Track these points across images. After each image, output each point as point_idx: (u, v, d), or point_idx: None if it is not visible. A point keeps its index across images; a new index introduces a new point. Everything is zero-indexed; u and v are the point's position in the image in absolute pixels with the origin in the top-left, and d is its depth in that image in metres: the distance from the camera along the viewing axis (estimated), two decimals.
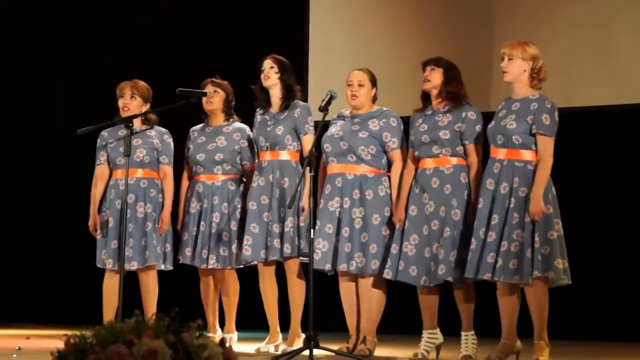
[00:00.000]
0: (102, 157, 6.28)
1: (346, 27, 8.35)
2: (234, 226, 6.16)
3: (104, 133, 6.31)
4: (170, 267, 6.27)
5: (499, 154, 5.20)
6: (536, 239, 5.03)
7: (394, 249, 5.53)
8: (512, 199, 5.11)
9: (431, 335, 5.58)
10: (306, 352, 4.87)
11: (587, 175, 7.49)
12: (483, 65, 7.37)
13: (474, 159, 5.46)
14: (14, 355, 5.42)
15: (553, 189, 5.15)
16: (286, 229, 5.92)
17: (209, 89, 6.28)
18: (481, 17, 7.81)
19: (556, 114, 5.17)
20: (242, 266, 6.27)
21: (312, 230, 5.17)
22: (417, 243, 5.47)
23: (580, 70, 7.38)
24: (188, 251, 6.21)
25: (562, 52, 7.29)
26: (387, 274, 5.53)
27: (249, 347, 6.12)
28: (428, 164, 5.51)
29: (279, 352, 5.81)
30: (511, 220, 5.09)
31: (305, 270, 5.76)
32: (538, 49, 5.29)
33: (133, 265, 6.09)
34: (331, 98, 5.39)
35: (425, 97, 5.64)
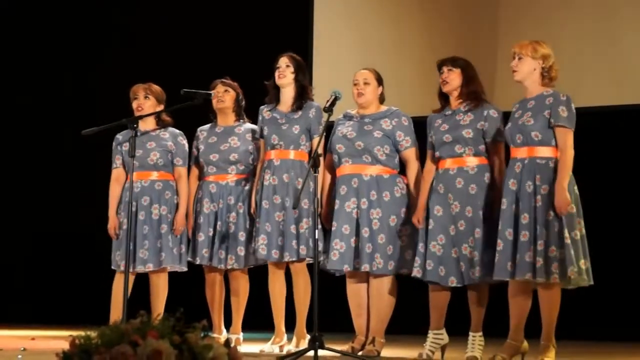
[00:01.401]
0: (117, 160, 6.30)
1: (350, 26, 8.35)
2: (249, 225, 6.15)
3: (119, 136, 6.33)
4: (185, 269, 6.28)
5: (519, 153, 5.17)
6: (566, 235, 4.98)
7: (422, 248, 5.49)
8: (538, 197, 5.08)
9: (437, 336, 5.56)
10: (311, 353, 4.86)
11: (594, 176, 7.47)
12: (488, 64, 7.35)
13: (496, 158, 5.43)
14: (19, 356, 5.41)
15: (575, 188, 5.11)
16: (301, 230, 5.90)
17: (220, 88, 6.27)
18: (486, 16, 7.80)
19: (572, 106, 5.14)
20: (252, 266, 6.27)
21: (316, 231, 5.16)
22: (444, 243, 5.42)
23: (586, 69, 7.36)
24: (205, 252, 6.19)
25: (568, 52, 7.28)
26: (418, 273, 5.47)
27: (253, 348, 6.11)
28: (450, 164, 5.47)
29: (284, 352, 5.80)
30: (540, 219, 5.06)
31: (311, 271, 5.75)
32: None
33: (149, 267, 6.10)
34: (336, 99, 5.37)
35: (443, 96, 5.61)
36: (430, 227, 5.46)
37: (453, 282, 5.40)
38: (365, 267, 5.64)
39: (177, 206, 6.21)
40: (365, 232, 5.65)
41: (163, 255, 6.13)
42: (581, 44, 7.39)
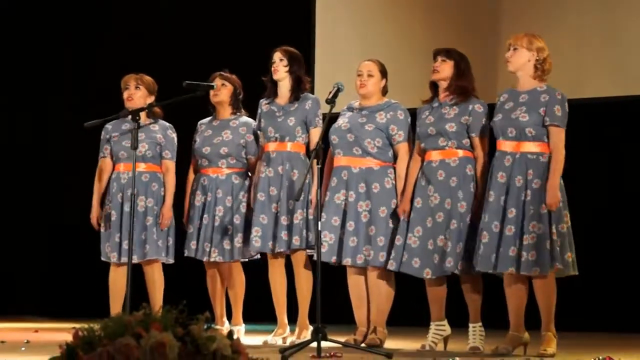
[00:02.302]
0: (105, 150, 6.30)
1: (352, 18, 8.34)
2: (237, 220, 6.14)
3: (108, 126, 6.32)
4: (171, 261, 6.27)
5: (509, 146, 5.19)
6: (553, 230, 5.03)
7: (398, 240, 5.55)
8: (528, 192, 5.10)
9: (439, 327, 5.58)
10: (314, 344, 4.87)
11: (595, 167, 7.47)
12: (490, 57, 7.34)
13: (480, 152, 5.46)
14: (23, 349, 5.43)
15: (561, 181, 5.15)
16: (295, 221, 5.91)
17: (217, 81, 6.26)
18: (488, 8, 7.79)
19: (566, 105, 5.18)
20: (246, 260, 6.27)
21: (318, 223, 5.17)
22: (421, 235, 5.48)
23: (588, 61, 7.35)
24: (193, 244, 6.21)
25: (570, 43, 7.27)
26: (391, 265, 5.56)
27: (256, 340, 6.12)
28: (434, 156, 5.52)
29: (287, 344, 5.82)
30: (528, 213, 5.08)
31: (313, 262, 5.76)
32: (545, 40, 5.29)
33: (133, 259, 6.10)
34: (338, 90, 5.37)
35: (434, 87, 5.63)
36: (410, 218, 5.52)
37: (428, 273, 5.45)
38: (347, 261, 5.67)
39: (163, 199, 6.22)
40: (350, 225, 5.68)
41: (147, 247, 6.13)
42: (585, 34, 7.38)
